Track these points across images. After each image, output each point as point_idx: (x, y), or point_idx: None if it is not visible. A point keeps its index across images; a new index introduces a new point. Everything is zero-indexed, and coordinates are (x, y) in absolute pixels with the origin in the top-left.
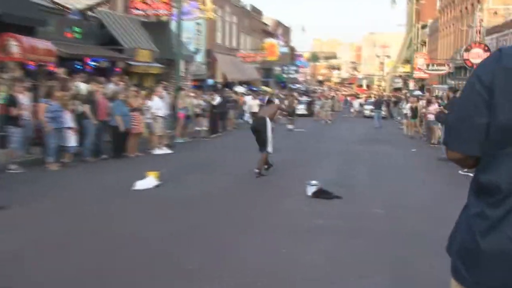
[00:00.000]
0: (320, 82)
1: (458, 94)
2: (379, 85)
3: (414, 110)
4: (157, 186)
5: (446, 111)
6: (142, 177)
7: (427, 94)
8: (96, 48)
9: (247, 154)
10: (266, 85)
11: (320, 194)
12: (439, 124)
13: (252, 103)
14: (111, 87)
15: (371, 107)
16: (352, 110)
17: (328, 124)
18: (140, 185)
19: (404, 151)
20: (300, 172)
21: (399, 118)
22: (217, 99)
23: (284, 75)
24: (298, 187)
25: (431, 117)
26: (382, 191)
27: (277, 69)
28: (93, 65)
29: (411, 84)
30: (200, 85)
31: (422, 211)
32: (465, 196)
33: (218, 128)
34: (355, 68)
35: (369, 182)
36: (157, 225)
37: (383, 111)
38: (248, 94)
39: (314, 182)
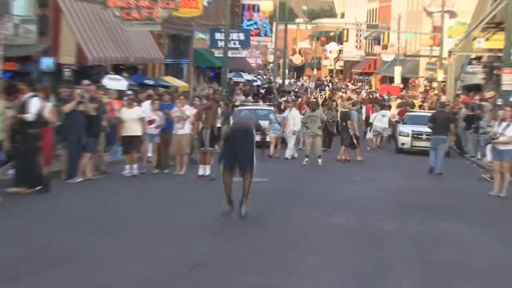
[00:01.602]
0: (298, 71)
1: None
2: (429, 78)
3: None
4: None
5: None
6: None
7: None
8: None
9: (121, 240)
10: (178, 74)
11: None
12: None
13: (128, 116)
14: None
15: (418, 128)
16: (369, 134)
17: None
18: None
19: (498, 236)
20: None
21: (478, 155)
22: (32, 107)
23: (216, 53)
24: None
25: None
26: None
27: (200, 39)
28: None
29: (508, 79)
30: (23, 71)
31: None
32: None
33: (39, 173)
34: (376, 41)
35: None
36: None
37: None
38: (132, 96)
39: None
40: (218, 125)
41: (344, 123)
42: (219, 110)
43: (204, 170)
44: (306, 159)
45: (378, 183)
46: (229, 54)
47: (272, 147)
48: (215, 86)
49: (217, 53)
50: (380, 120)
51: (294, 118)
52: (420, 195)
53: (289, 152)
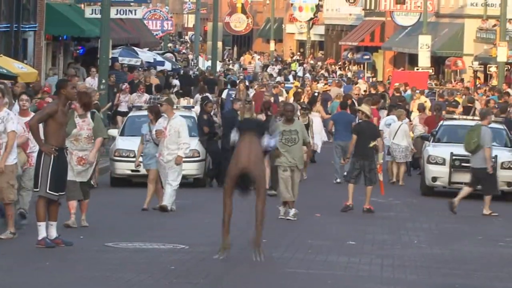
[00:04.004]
0: (242, 45)
1: None
2: (483, 58)
3: None
4: None
5: None
6: None
7: None
8: None
9: None
10: (17, 52)
11: None
12: None
13: None
14: None
15: (462, 150)
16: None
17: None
18: None
19: None
20: None
21: None
22: None
23: (88, 11)
24: None
25: None
26: None
27: None
28: None
29: None
30: None
31: None
32: None
33: None
34: None
35: None
36: None
37: None
38: None
39: None
40: (68, 146)
41: (367, 141)
42: (79, 117)
43: (47, 230)
44: (284, 209)
45: (388, 250)
46: (113, 13)
47: (150, 189)
48: (73, 72)
49: (89, 12)
50: (403, 134)
51: (176, 131)
52: (470, 272)
53: (169, 199)
